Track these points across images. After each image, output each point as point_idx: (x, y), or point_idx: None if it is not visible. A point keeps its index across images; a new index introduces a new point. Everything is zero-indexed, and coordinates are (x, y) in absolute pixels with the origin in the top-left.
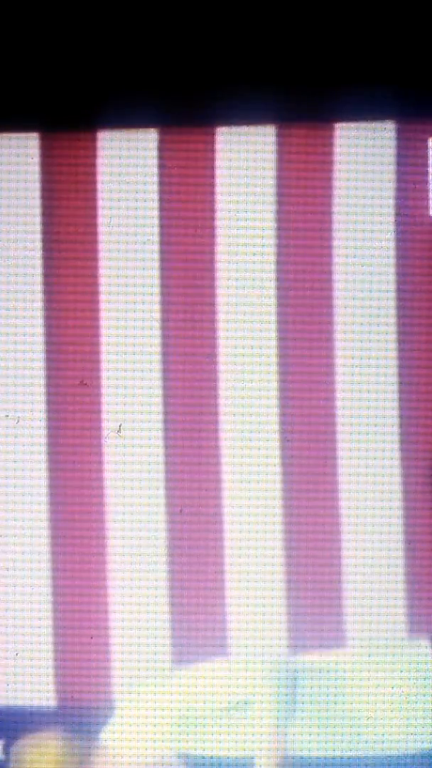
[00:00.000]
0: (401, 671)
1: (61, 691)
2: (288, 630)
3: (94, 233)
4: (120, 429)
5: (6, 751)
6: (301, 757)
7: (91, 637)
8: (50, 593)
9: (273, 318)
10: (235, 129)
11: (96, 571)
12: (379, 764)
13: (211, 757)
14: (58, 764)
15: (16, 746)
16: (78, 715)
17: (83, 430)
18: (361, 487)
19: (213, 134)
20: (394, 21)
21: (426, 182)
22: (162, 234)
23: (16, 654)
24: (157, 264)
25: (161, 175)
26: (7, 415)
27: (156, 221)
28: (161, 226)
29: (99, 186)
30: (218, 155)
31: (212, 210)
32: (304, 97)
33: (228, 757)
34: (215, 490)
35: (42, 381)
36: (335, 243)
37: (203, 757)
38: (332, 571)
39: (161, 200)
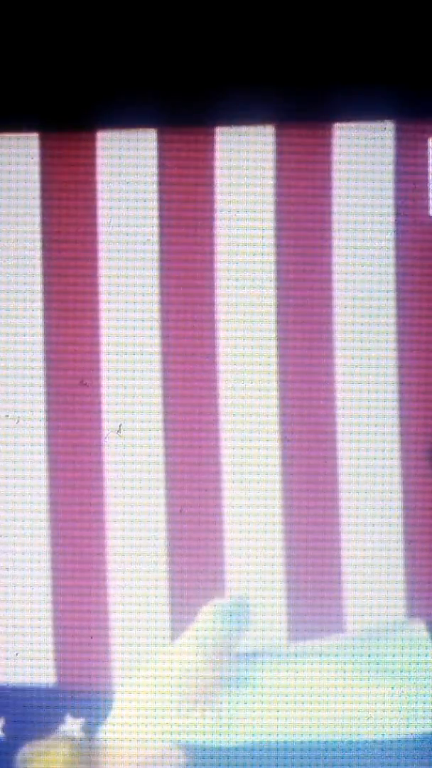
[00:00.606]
0: (399, 655)
1: (61, 669)
2: (288, 629)
3: (94, 233)
4: (120, 429)
5: (5, 730)
6: (302, 742)
7: (92, 637)
8: (50, 593)
9: (273, 318)
10: (234, 129)
11: (96, 571)
12: (378, 748)
13: (210, 743)
14: None
15: (22, 753)
16: (78, 694)
17: (83, 430)
18: (361, 487)
19: (212, 134)
20: (393, 21)
21: (426, 182)
22: (161, 234)
23: (17, 654)
24: (156, 264)
25: (161, 175)
26: (7, 415)
27: (155, 221)
28: (161, 226)
29: (98, 186)
30: (217, 155)
31: (212, 210)
32: (304, 97)
33: (225, 744)
34: (215, 490)
35: (42, 381)
36: (335, 243)
37: (202, 744)
38: (332, 571)
39: (161, 200)
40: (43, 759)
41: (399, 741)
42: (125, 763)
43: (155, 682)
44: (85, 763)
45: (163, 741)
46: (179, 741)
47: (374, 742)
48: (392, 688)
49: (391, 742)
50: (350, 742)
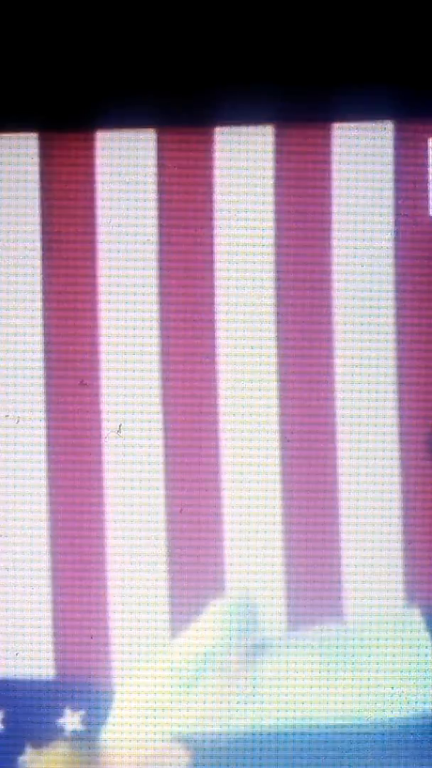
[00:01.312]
0: (393, 639)
1: (61, 663)
2: (287, 621)
3: (93, 233)
4: (120, 429)
5: (5, 723)
6: (300, 730)
7: (91, 636)
8: (50, 593)
9: (272, 318)
10: (233, 129)
11: (96, 572)
12: (374, 733)
13: (210, 737)
14: None
15: (24, 760)
16: (78, 692)
17: (83, 430)
18: (361, 487)
19: (211, 134)
20: (393, 21)
21: (426, 182)
22: (161, 234)
23: (17, 654)
24: (156, 264)
25: (160, 175)
26: (7, 415)
27: (155, 221)
28: (160, 226)
29: (98, 186)
30: (217, 155)
31: (211, 210)
32: (303, 97)
33: (226, 734)
34: (215, 490)
35: (42, 381)
36: (334, 243)
37: (203, 738)
38: (332, 571)
39: (160, 200)
40: (44, 760)
41: (395, 726)
42: (126, 764)
43: (157, 676)
44: (86, 764)
45: (164, 738)
46: (180, 736)
47: (370, 726)
48: (387, 672)
49: (387, 726)
50: (348, 729)
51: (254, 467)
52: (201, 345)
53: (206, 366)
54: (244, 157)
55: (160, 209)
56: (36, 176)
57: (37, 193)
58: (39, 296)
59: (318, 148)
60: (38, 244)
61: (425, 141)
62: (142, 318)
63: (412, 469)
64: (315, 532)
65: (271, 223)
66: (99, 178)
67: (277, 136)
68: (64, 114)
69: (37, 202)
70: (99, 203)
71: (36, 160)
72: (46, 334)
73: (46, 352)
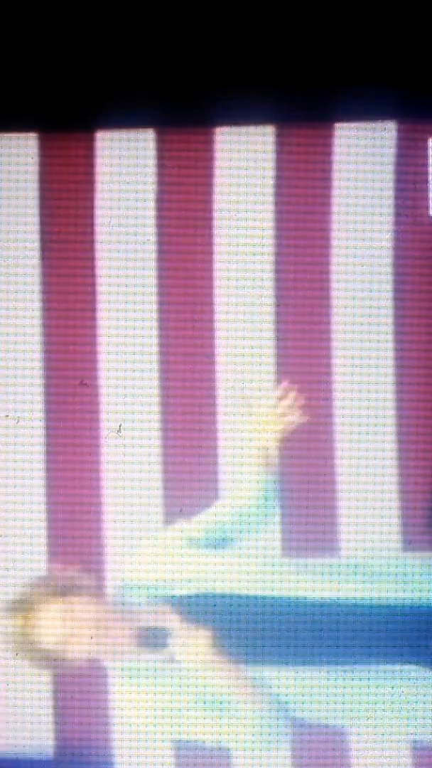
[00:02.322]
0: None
1: (60, 732)
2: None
3: (93, 233)
4: (120, 429)
5: None
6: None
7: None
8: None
9: (271, 318)
10: (234, 129)
11: (95, 571)
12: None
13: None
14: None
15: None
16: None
17: (83, 430)
18: (360, 487)
19: (212, 134)
20: (394, 21)
21: (426, 182)
22: (160, 234)
23: (16, 654)
24: (155, 264)
25: (159, 176)
26: (7, 415)
27: (154, 221)
28: (159, 226)
29: (97, 186)
30: (217, 155)
31: (210, 210)
32: (304, 97)
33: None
34: (214, 490)
35: (42, 381)
36: (334, 243)
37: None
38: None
39: (159, 200)
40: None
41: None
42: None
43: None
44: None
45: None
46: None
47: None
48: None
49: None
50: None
51: (253, 466)
52: (200, 345)
53: (205, 366)
54: (244, 157)
55: (160, 209)
56: (36, 176)
57: (36, 193)
58: (39, 296)
59: (319, 148)
60: (37, 244)
61: (425, 141)
62: (142, 318)
63: (410, 469)
64: (315, 532)
65: (270, 223)
66: (99, 178)
67: (278, 136)
68: (64, 114)
69: (36, 202)
70: (98, 203)
71: (36, 160)
72: (45, 334)
73: (46, 352)
